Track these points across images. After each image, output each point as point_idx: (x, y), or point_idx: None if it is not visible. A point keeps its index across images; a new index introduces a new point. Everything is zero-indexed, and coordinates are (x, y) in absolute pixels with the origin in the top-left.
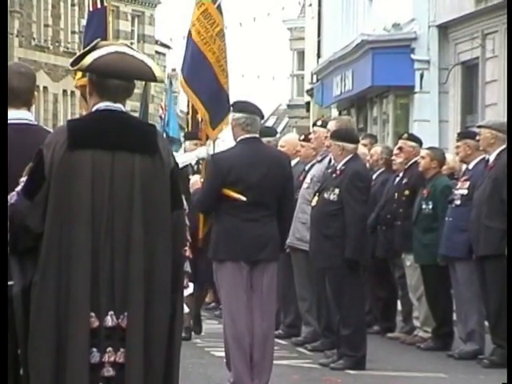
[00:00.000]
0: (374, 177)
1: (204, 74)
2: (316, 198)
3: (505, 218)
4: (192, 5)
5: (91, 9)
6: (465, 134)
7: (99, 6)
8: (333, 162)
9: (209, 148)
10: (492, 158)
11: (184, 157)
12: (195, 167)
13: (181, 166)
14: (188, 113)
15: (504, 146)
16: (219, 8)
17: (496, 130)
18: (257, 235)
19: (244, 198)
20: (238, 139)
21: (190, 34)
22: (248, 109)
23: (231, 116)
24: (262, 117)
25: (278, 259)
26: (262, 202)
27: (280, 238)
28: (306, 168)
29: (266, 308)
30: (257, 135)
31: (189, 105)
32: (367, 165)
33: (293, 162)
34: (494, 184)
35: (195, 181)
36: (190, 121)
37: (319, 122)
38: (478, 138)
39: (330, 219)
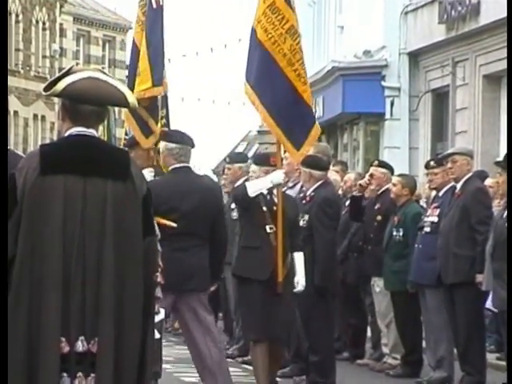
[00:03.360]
0: (347, 203)
1: (275, 82)
2: None
3: (473, 245)
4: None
5: (154, 6)
6: (442, 161)
7: (161, 2)
8: (303, 188)
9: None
10: (459, 185)
11: (257, 184)
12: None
13: (253, 194)
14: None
15: (471, 174)
16: (288, 0)
17: (470, 157)
18: (184, 265)
19: (174, 225)
20: (170, 168)
21: (254, 33)
22: (181, 139)
23: (163, 145)
24: (193, 146)
25: (206, 289)
26: (193, 231)
27: (214, 267)
28: None
29: (209, 337)
30: (189, 165)
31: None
32: (340, 191)
33: None
34: (462, 211)
35: None
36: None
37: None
38: (450, 165)
39: None
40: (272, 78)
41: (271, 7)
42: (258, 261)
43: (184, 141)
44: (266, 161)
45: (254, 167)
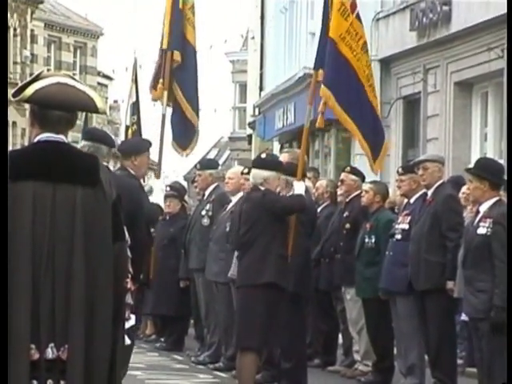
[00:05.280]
0: (318, 210)
1: (359, 99)
2: None
3: (445, 252)
4: (132, 37)
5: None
6: (409, 168)
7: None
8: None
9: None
10: (430, 192)
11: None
12: None
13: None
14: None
15: (442, 181)
16: (358, 16)
17: (441, 164)
18: None
19: None
20: None
21: (336, 49)
22: (93, 136)
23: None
24: (111, 145)
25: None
26: None
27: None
28: None
29: None
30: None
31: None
32: (313, 198)
33: (239, 195)
34: (433, 218)
35: None
36: None
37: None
38: (421, 172)
39: None
40: (358, 96)
41: (352, 26)
42: (289, 270)
43: (95, 138)
44: (282, 167)
45: (265, 173)
